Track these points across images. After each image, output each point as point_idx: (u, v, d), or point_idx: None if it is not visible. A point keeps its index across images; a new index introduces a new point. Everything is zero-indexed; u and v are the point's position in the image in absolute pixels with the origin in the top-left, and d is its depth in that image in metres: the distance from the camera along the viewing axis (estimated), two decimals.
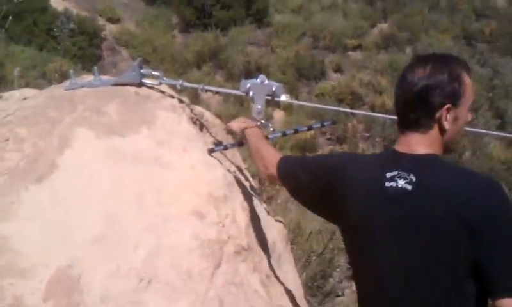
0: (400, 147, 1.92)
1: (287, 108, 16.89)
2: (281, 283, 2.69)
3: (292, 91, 17.97)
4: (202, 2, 20.97)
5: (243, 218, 2.49)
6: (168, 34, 21.28)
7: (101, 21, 20.54)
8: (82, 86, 2.70)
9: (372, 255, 1.89)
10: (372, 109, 16.81)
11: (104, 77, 2.76)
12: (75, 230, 2.07)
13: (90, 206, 2.13)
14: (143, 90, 2.73)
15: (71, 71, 2.80)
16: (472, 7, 23.51)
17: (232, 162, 3.00)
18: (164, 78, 2.76)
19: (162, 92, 2.78)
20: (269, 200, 10.95)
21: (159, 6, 22.73)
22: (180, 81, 2.78)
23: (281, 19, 21.92)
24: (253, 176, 10.63)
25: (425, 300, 1.77)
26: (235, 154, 3.14)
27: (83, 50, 18.00)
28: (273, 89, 2.67)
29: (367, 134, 16.20)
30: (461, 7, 23.52)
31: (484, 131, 7.49)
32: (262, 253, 2.61)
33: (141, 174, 2.30)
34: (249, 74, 18.30)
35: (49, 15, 17.87)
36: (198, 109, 2.98)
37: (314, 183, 2.14)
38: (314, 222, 7.04)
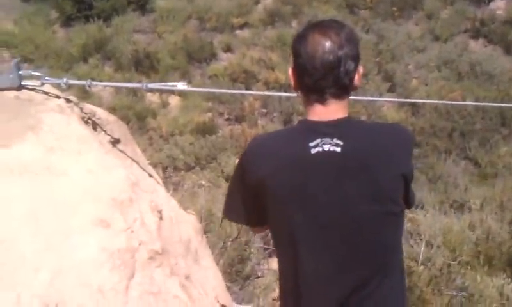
0: (314, 117, 1.95)
1: (182, 93, 16.63)
2: (201, 281, 2.52)
3: (185, 75, 17.67)
4: None
5: (153, 219, 2.29)
6: (49, 29, 20.37)
7: None
8: None
9: (315, 218, 1.91)
10: (266, 85, 16.78)
11: None
12: None
13: None
14: (24, 93, 2.46)
15: None
16: None
17: (133, 160, 2.78)
18: (47, 78, 2.49)
19: (46, 93, 2.52)
20: (175, 188, 10.78)
21: (36, 2, 21.73)
22: (64, 79, 2.52)
23: (165, 4, 21.44)
24: (154, 166, 10.34)
25: (368, 244, 1.91)
26: (135, 150, 2.92)
27: None
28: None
29: (264, 110, 16.17)
30: None
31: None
32: (178, 253, 2.43)
33: (32, 187, 2.05)
34: (139, 62, 17.89)
35: None
36: (89, 106, 2.72)
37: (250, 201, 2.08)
38: (222, 205, 6.91)
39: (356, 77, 1.96)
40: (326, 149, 1.86)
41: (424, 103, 14.02)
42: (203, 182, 11.10)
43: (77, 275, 1.88)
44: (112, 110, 15.44)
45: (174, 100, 16.57)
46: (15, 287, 1.78)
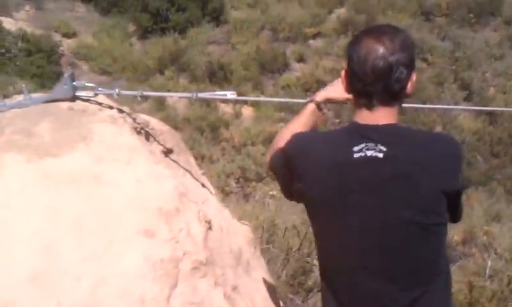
0: (362, 120, 1.93)
1: (255, 103, 16.73)
2: (250, 293, 2.49)
3: (257, 86, 17.79)
4: (157, 6, 20.64)
5: (199, 230, 2.28)
6: (126, 42, 20.97)
7: (57, 37, 20.21)
8: (12, 107, 2.47)
9: (344, 224, 1.91)
10: None
11: (35, 95, 2.54)
12: (7, 269, 1.84)
13: (23, 240, 1.91)
14: (78, 104, 2.51)
15: (23, 85, 2.57)
16: None
17: (187, 170, 2.79)
18: (100, 89, 2.54)
19: (100, 104, 2.56)
20: (246, 198, 10.82)
21: (114, 15, 22.37)
22: (117, 90, 2.55)
23: (238, 15, 21.67)
24: (227, 177, 10.43)
25: (403, 256, 1.87)
26: (189, 160, 2.93)
27: (42, 68, 17.72)
28: None
29: (337, 120, 16.07)
30: None
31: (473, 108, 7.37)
32: (226, 264, 2.41)
33: (79, 196, 2.08)
34: (213, 74, 18.11)
35: (1, 37, 17.47)
36: (143, 117, 2.75)
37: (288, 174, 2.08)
38: (290, 217, 6.86)
39: (409, 85, 1.92)
40: (369, 154, 1.85)
41: (501, 111, 13.55)
42: (273, 193, 11.10)
43: (119, 284, 1.89)
44: (186, 120, 15.75)
45: (247, 111, 16.69)
46: (56, 295, 1.80)
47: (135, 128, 2.58)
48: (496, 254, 6.55)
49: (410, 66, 1.91)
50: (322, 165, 1.94)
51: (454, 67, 16.84)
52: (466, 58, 17.21)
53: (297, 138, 2.07)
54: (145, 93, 2.64)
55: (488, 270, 5.50)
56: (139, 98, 2.58)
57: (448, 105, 13.77)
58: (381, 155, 1.84)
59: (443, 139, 1.97)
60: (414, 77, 1.94)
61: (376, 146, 1.85)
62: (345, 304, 1.98)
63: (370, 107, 1.92)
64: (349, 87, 1.99)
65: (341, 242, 1.95)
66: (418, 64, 17.04)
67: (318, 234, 2.08)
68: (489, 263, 5.67)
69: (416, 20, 20.08)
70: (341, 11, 22.25)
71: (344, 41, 20.01)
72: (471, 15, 20.07)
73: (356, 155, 1.86)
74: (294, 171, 2.03)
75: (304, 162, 1.99)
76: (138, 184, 2.23)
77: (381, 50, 1.87)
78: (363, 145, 1.87)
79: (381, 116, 1.91)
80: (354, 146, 1.87)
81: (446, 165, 1.85)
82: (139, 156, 2.38)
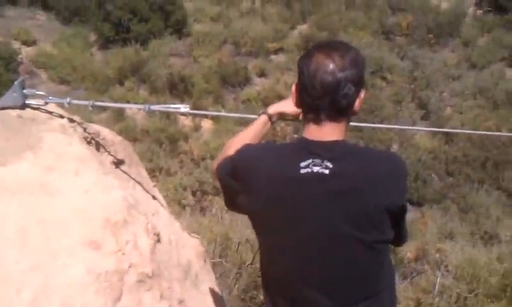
0: (310, 136, 1.95)
1: (215, 117, 16.71)
2: (198, 306, 2.48)
3: (218, 99, 17.79)
4: (119, 16, 20.50)
5: (147, 242, 2.26)
6: (87, 52, 20.75)
7: (16, 44, 19.88)
8: None
9: (297, 237, 1.92)
10: None
11: None
12: None
13: None
14: (27, 112, 2.48)
15: None
16: (388, 2, 23.83)
17: (137, 181, 2.78)
18: (50, 98, 2.51)
19: (50, 113, 2.53)
20: (203, 211, 10.78)
21: (76, 24, 22.15)
22: (68, 99, 2.53)
23: (201, 28, 21.67)
24: (184, 189, 10.34)
25: (347, 270, 1.89)
26: (140, 172, 2.92)
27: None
28: None
29: (295, 136, 16.18)
30: (376, 2, 23.85)
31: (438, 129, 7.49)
32: (173, 277, 2.40)
33: (24, 206, 2.05)
34: (174, 86, 18.03)
35: None
36: (94, 127, 2.73)
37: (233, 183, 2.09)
38: (244, 231, 6.86)
39: (357, 102, 1.95)
40: (315, 170, 1.86)
41: (457, 133, 13.82)
42: None
43: (61, 296, 1.87)
44: (145, 132, 15.64)
45: (206, 124, 16.66)
46: None
47: (85, 138, 2.56)
48: (447, 271, 6.66)
49: (359, 84, 1.93)
50: (269, 179, 1.95)
51: (412, 86, 17.11)
52: (424, 78, 17.52)
53: (246, 149, 2.08)
54: (97, 103, 2.61)
55: (437, 287, 5.58)
56: (90, 108, 2.56)
57: (406, 123, 13.98)
58: (327, 172, 1.86)
59: (389, 157, 2.00)
60: (362, 94, 1.96)
61: (323, 162, 1.87)
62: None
63: (318, 121, 1.94)
64: (299, 102, 2.01)
65: (283, 254, 1.97)
66: (378, 82, 17.30)
67: (261, 245, 2.10)
68: (439, 280, 5.75)
69: (376, 39, 20.38)
70: (303, 28, 22.45)
71: None
72: (430, 36, 20.47)
73: (302, 171, 1.88)
74: (240, 181, 2.03)
75: (251, 174, 2.00)
76: (85, 194, 2.21)
77: (330, 65, 1.89)
78: (310, 161, 1.88)
79: (329, 132, 1.93)
80: (302, 161, 1.89)
81: (390, 183, 1.88)
82: (88, 166, 2.36)
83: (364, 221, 1.85)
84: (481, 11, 22.76)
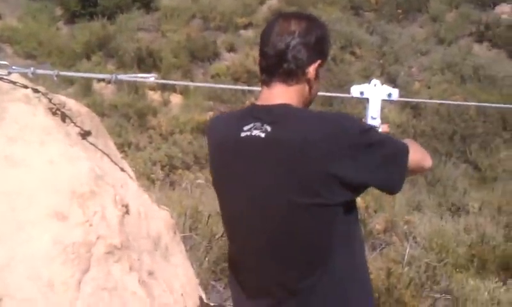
0: (260, 101, 1.97)
1: (184, 91, 16.58)
2: (168, 279, 2.46)
3: (187, 74, 17.64)
4: None
5: (115, 214, 2.23)
6: (53, 26, 20.37)
7: None
8: None
9: (232, 201, 1.96)
10: None
11: None
12: None
13: None
14: None
15: None
16: None
17: (104, 153, 2.73)
18: (14, 67, 2.44)
19: (14, 83, 2.46)
20: (172, 186, 10.73)
21: None
22: (32, 69, 2.46)
23: (169, 3, 21.41)
24: (153, 164, 10.22)
25: (283, 236, 1.84)
26: (107, 143, 2.86)
27: None
28: (390, 92, 2.38)
29: None
30: None
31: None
32: (142, 249, 2.37)
33: None
34: (142, 61, 17.83)
35: None
36: (59, 98, 2.65)
37: None
38: (214, 203, 6.85)
39: (311, 68, 1.94)
40: (254, 134, 1.87)
41: (425, 105, 13.95)
42: (200, 181, 11.06)
43: (27, 268, 1.83)
44: (113, 107, 15.46)
45: (175, 99, 16.52)
46: None
47: (50, 109, 2.50)
48: (415, 242, 6.74)
49: (314, 51, 1.94)
50: (216, 144, 2.01)
51: (381, 61, 17.17)
52: (393, 53, 17.57)
53: (209, 121, 2.17)
54: (62, 73, 2.55)
55: (406, 258, 5.64)
56: (55, 78, 2.49)
57: None
58: (263, 135, 1.85)
59: (329, 118, 1.86)
60: (318, 63, 1.95)
61: (263, 125, 1.87)
62: (243, 283, 2.01)
63: (269, 84, 1.95)
64: (259, 68, 2.02)
65: (233, 221, 2.00)
66: (347, 57, 17.32)
67: (221, 212, 2.12)
68: (408, 250, 5.81)
69: (345, 14, 20.37)
70: (272, 2, 22.33)
71: None
72: (399, 11, 20.53)
73: (242, 134, 1.89)
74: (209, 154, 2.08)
75: (208, 142, 2.07)
76: (51, 166, 2.17)
77: (285, 29, 1.92)
78: (251, 125, 1.89)
79: (278, 95, 1.93)
80: (245, 125, 1.90)
81: (327, 147, 1.77)
82: (54, 137, 2.31)
83: (300, 185, 1.79)
84: None
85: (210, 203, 6.13)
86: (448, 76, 16.52)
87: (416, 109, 14.43)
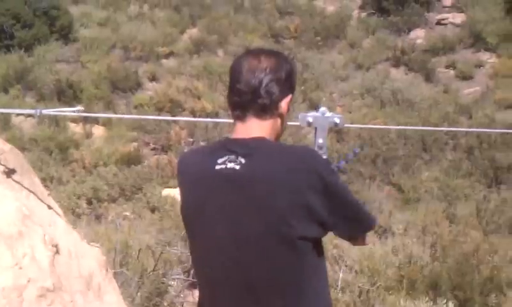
0: (235, 135, 1.99)
1: (106, 123, 16.31)
2: None
3: (109, 105, 17.40)
4: (1, 22, 19.66)
5: (45, 254, 2.14)
6: None
7: None
8: None
9: (205, 237, 1.94)
10: (193, 113, 16.69)
11: None
12: None
13: None
14: None
15: None
16: (275, 5, 24.27)
17: (31, 191, 2.62)
18: None
19: None
20: (98, 219, 10.48)
21: None
22: None
23: (88, 33, 21.16)
24: (78, 198, 9.93)
25: (259, 269, 1.86)
26: (34, 181, 2.75)
27: None
28: (336, 121, 2.44)
29: (191, 139, 16.03)
30: (264, 6, 24.22)
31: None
32: (75, 289, 2.28)
33: None
34: (62, 92, 17.46)
35: None
36: None
37: None
38: (144, 237, 6.72)
39: (283, 103, 1.98)
40: (229, 166, 1.88)
41: (348, 129, 14.23)
42: (127, 213, 10.86)
43: None
44: (33, 141, 15.03)
45: (98, 131, 16.25)
46: None
47: None
48: (346, 266, 6.80)
49: (285, 86, 1.98)
50: (189, 178, 1.99)
51: (302, 88, 17.44)
52: (314, 79, 17.94)
53: (179, 159, 2.11)
54: None
55: (339, 283, 5.68)
56: None
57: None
58: (237, 167, 1.86)
59: (298, 152, 1.94)
60: (289, 98, 2.00)
61: (237, 158, 1.88)
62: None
63: (243, 119, 1.97)
64: (228, 102, 2.04)
65: (205, 254, 1.97)
66: None
67: (190, 246, 2.10)
68: (341, 275, 5.85)
69: (266, 42, 20.65)
70: (193, 31, 22.44)
71: (196, 60, 20.17)
72: (318, 38, 20.99)
73: (217, 167, 1.89)
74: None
75: (180, 177, 2.04)
76: None
77: (256, 65, 1.96)
78: (226, 157, 1.90)
79: (252, 129, 1.95)
80: (219, 158, 1.91)
81: (301, 179, 1.83)
82: None
83: (273, 217, 1.83)
84: (365, 14, 23.60)
85: (139, 236, 6.02)
86: (368, 100, 16.98)
87: (339, 134, 14.70)
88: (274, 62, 1.98)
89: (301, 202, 1.82)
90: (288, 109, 2.00)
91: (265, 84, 1.94)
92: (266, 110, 1.96)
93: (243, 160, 1.87)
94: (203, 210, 1.93)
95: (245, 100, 1.96)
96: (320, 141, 2.39)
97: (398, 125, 14.14)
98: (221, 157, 1.91)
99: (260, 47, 2.08)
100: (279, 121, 2.00)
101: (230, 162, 1.88)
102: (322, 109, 2.46)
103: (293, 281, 1.89)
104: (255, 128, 1.95)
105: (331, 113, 2.46)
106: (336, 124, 2.45)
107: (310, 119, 2.44)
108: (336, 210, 1.88)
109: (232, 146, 1.93)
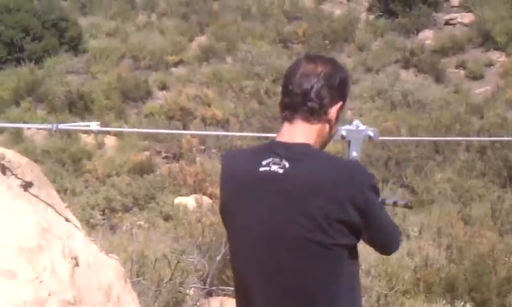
0: (281, 136, 2.00)
1: (118, 133, 16.37)
2: None
3: (120, 115, 17.47)
4: (11, 36, 19.80)
5: (65, 267, 2.14)
6: None
7: None
8: None
9: (242, 237, 1.97)
10: (203, 120, 16.76)
11: None
12: None
13: None
14: None
15: None
16: (282, 10, 24.31)
17: (49, 204, 2.63)
18: None
19: None
20: (113, 229, 10.50)
21: None
22: None
23: (98, 44, 21.29)
24: (91, 209, 9.94)
25: (294, 270, 1.88)
26: (51, 194, 2.76)
27: None
28: (370, 134, 2.41)
29: (202, 147, 16.09)
30: (271, 12, 24.25)
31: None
32: (95, 301, 2.28)
33: None
34: (73, 104, 17.55)
35: None
36: None
37: None
38: (159, 246, 6.72)
39: (333, 109, 1.99)
40: (272, 169, 1.90)
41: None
42: (141, 223, 10.87)
43: None
44: (46, 153, 15.10)
45: (110, 141, 16.30)
46: None
47: None
48: (362, 270, 6.76)
49: (337, 93, 1.99)
50: (232, 178, 2.02)
51: None
52: None
53: (222, 159, 2.14)
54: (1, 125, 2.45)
55: None
56: None
57: None
58: (281, 171, 1.88)
59: (345, 166, 1.95)
60: (340, 105, 2.01)
61: (281, 161, 1.90)
62: None
63: (291, 120, 1.99)
64: (280, 104, 2.06)
65: (241, 252, 2.00)
66: (279, 90, 17.51)
67: (229, 244, 2.12)
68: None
69: (275, 47, 20.70)
70: (201, 39, 22.48)
71: (205, 68, 20.21)
72: (326, 42, 20.97)
73: (261, 169, 1.92)
74: (220, 191, 2.09)
75: (222, 175, 2.07)
76: None
77: (309, 69, 1.99)
78: (270, 160, 1.92)
79: (298, 132, 1.97)
80: (263, 160, 1.93)
81: (342, 192, 1.84)
82: None
83: (311, 223, 1.84)
84: (373, 16, 23.58)
85: (154, 246, 6.02)
86: (378, 103, 16.94)
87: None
88: (330, 69, 2.00)
89: (342, 216, 1.83)
90: (338, 117, 2.01)
91: (316, 88, 1.96)
92: (315, 114, 1.97)
93: (287, 164, 1.89)
94: (243, 209, 1.96)
95: (295, 102, 1.98)
96: (354, 154, 2.35)
97: (409, 128, 14.06)
98: (265, 159, 1.93)
99: (316, 54, 2.09)
100: (327, 127, 2.01)
101: (274, 164, 1.91)
102: (356, 121, 2.45)
103: (323, 290, 1.91)
104: (302, 131, 1.97)
105: (364, 126, 2.44)
106: (370, 137, 2.43)
107: (344, 133, 2.40)
108: (371, 227, 1.91)
109: (276, 149, 1.95)
